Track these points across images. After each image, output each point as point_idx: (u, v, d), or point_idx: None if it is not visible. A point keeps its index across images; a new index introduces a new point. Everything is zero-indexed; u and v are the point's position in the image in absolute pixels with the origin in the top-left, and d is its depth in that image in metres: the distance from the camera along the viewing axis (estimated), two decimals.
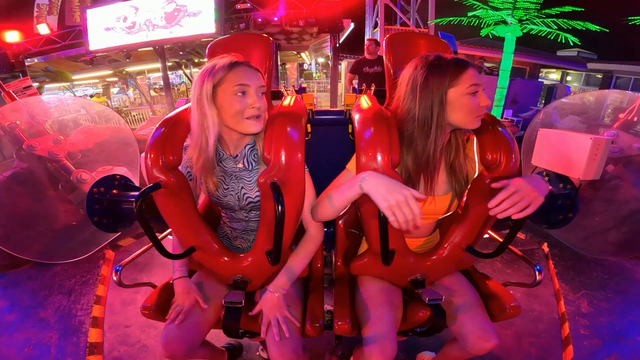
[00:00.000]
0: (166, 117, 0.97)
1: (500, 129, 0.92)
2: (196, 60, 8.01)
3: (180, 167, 0.95)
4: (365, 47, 4.14)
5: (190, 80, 8.45)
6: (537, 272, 1.01)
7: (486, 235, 1.11)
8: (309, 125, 1.28)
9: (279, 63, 10.69)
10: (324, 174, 1.13)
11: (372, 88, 1.29)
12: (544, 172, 1.14)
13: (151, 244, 0.86)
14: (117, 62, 7.60)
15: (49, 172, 1.84)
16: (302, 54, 10.54)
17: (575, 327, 1.65)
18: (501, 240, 0.91)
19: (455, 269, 1.11)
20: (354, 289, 1.11)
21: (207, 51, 1.20)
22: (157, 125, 0.93)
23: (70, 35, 7.06)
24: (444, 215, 1.02)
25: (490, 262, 2.18)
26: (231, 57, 0.89)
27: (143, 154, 0.92)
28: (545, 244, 2.16)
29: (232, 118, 0.88)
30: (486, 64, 11.29)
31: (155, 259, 2.16)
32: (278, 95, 1.34)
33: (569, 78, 14.50)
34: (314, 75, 16.77)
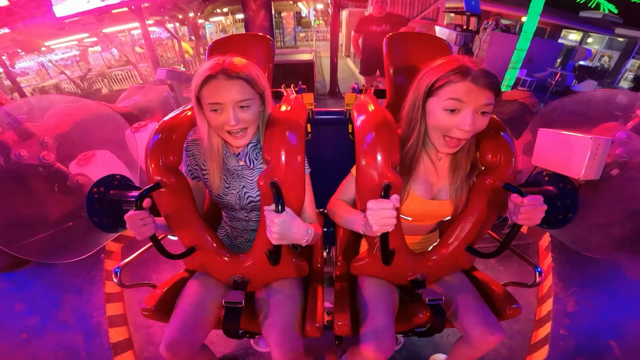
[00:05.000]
0: (165, 118, 0.97)
1: (501, 133, 0.93)
2: (180, 17, 7.53)
3: (182, 168, 0.96)
4: (371, 2, 3.82)
5: (176, 38, 7.86)
6: (537, 274, 1.01)
7: (486, 235, 1.11)
8: (309, 125, 1.28)
9: (274, 12, 9.67)
10: (324, 174, 1.13)
11: (372, 88, 1.29)
12: (544, 172, 1.14)
13: (151, 243, 0.86)
14: (92, 24, 6.90)
15: (43, 177, 1.70)
16: (299, 4, 9.70)
17: (556, 327, 1.65)
18: (501, 240, 0.91)
19: (455, 269, 1.11)
20: (354, 289, 1.11)
21: (207, 51, 1.20)
22: (157, 126, 0.93)
23: (32, 3, 6.20)
24: (445, 219, 1.03)
25: (490, 262, 2.17)
26: (209, 68, 0.82)
27: (141, 155, 0.92)
28: (545, 237, 2.13)
29: (215, 129, 0.91)
30: (503, 21, 10.57)
31: (156, 259, 2.16)
32: (278, 95, 1.34)
33: (589, 40, 12.84)
34: (312, 23, 15.31)
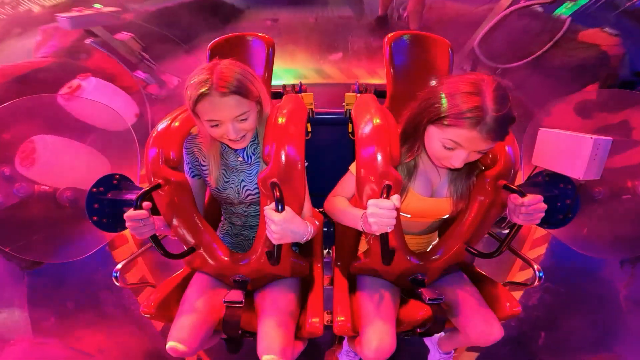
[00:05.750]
0: (159, 127, 0.96)
1: None
2: None
3: (184, 165, 0.96)
4: None
5: None
6: (537, 277, 1.01)
7: (486, 235, 1.11)
8: (309, 125, 1.29)
9: None
10: (324, 174, 1.13)
11: (372, 88, 1.29)
12: (544, 172, 1.14)
13: (151, 243, 0.86)
14: None
15: (31, 206, 1.48)
16: None
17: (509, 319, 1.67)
18: (501, 240, 0.91)
19: (455, 268, 1.11)
20: (354, 289, 1.11)
21: (207, 52, 1.21)
22: (154, 135, 0.93)
23: None
24: (444, 217, 1.03)
25: (489, 261, 2.16)
26: (199, 84, 0.79)
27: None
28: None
29: (215, 138, 0.92)
30: None
31: (155, 259, 2.16)
32: (278, 95, 1.34)
33: None
34: None
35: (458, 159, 0.79)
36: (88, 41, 2.59)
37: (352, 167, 1.00)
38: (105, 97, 2.28)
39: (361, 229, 0.86)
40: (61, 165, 1.35)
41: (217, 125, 0.84)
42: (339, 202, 0.99)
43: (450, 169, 0.96)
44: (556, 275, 1.93)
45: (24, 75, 2.27)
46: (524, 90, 2.56)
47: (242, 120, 0.85)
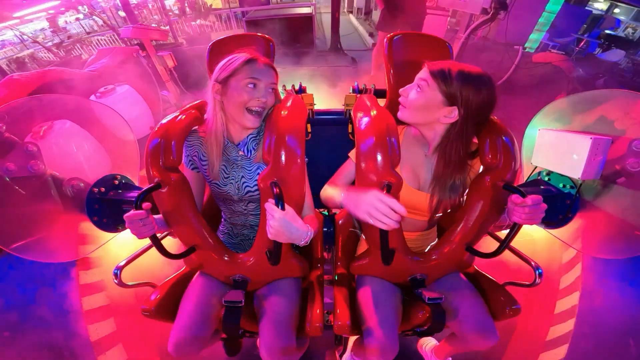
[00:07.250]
0: (163, 121, 0.97)
1: (502, 133, 0.93)
2: None
3: (183, 161, 0.96)
4: None
5: None
6: (537, 275, 1.01)
7: (486, 235, 1.11)
8: (309, 125, 1.29)
9: None
10: (324, 174, 1.13)
11: (373, 88, 1.29)
12: (545, 172, 1.14)
13: (151, 243, 0.86)
14: None
15: (36, 188, 1.45)
16: None
17: (579, 324, 1.47)
18: (501, 240, 0.91)
19: (455, 269, 1.11)
20: (353, 288, 1.11)
21: (207, 51, 1.21)
22: (156, 129, 0.93)
23: None
24: (428, 217, 1.03)
25: (489, 262, 2.15)
26: (247, 54, 0.97)
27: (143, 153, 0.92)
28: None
29: (236, 107, 0.94)
30: None
31: (155, 259, 2.15)
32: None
33: (616, 10, 11.87)
34: None
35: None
36: (135, 54, 3.39)
37: (352, 154, 1.03)
38: (130, 102, 2.98)
39: (339, 204, 0.88)
40: (61, 148, 1.39)
41: (254, 85, 0.95)
42: (329, 189, 1.00)
43: (438, 166, 0.96)
44: (609, 268, 1.61)
45: (69, 79, 2.66)
46: (506, 111, 2.98)
47: (272, 89, 0.99)
